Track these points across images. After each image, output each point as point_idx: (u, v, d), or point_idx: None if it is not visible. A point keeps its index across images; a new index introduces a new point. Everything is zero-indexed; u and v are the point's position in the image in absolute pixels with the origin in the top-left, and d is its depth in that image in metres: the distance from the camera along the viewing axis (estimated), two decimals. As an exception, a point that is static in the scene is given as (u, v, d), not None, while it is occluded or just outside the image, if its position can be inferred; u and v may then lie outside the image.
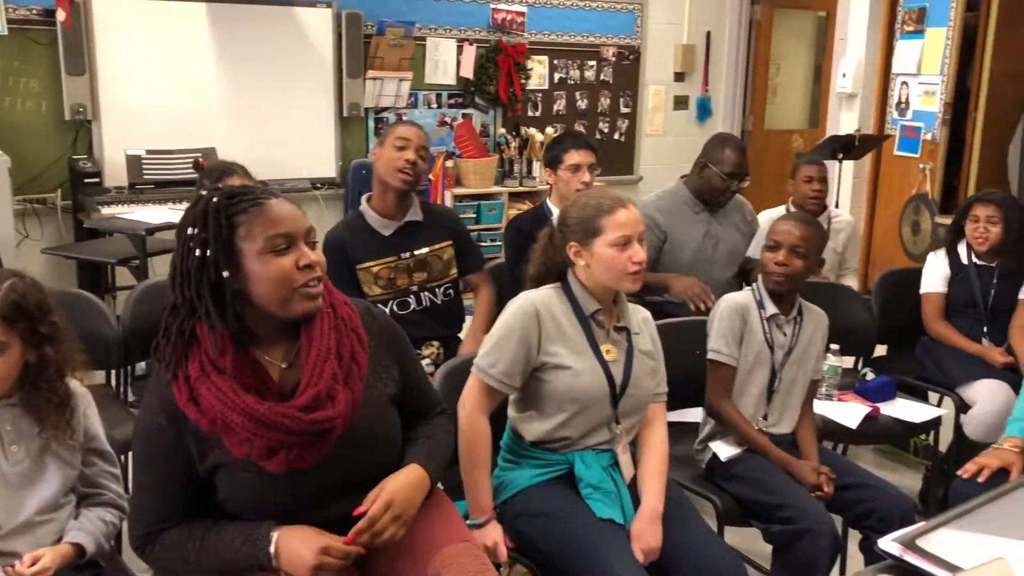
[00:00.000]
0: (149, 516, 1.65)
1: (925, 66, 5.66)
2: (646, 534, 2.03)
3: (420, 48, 5.88)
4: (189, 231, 1.57)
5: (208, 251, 1.54)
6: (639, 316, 2.26)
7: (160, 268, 4.41)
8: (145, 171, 4.91)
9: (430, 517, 1.76)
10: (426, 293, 3.05)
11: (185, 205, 2.46)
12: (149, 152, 4.94)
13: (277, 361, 1.65)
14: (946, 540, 1.10)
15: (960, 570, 0.85)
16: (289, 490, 1.61)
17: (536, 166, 6.04)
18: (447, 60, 5.99)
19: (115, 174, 4.93)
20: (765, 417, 2.56)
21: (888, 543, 1.09)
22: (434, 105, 6.02)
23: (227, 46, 5.31)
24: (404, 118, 3.17)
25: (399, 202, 3.00)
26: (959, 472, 2.38)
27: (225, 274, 1.55)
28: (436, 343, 3.03)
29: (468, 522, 2.01)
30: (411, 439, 1.81)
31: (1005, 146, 5.27)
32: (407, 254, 3.01)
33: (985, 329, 3.35)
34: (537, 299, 2.14)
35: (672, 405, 2.80)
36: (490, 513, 2.07)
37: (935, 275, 3.44)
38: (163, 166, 4.93)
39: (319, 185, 5.62)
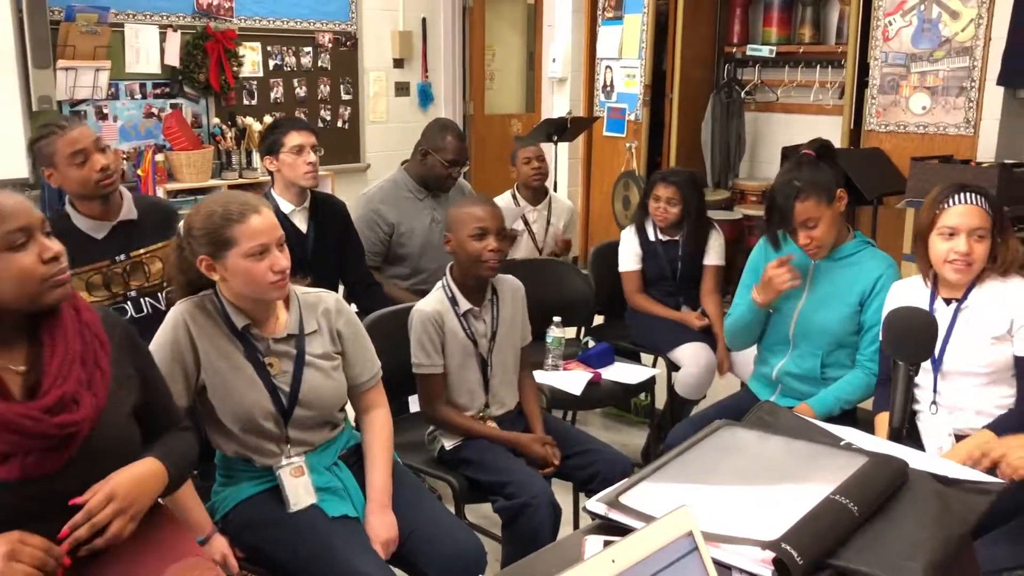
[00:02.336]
0: None
1: (625, 50, 6.05)
2: (380, 527, 2.01)
3: (118, 35, 5.44)
4: None
5: None
6: (319, 309, 2.12)
7: None
8: None
9: (158, 534, 1.68)
10: (147, 299, 2.77)
11: None
12: None
13: (14, 365, 1.54)
14: (647, 493, 1.17)
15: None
16: (20, 499, 1.49)
17: (256, 156, 5.80)
18: (149, 48, 5.60)
19: None
20: (487, 405, 2.60)
21: (594, 504, 1.14)
22: (138, 96, 5.61)
23: None
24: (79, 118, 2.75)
25: (105, 205, 2.69)
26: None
27: None
28: None
29: (194, 539, 1.91)
30: (149, 447, 1.72)
31: (699, 124, 5.75)
32: (122, 256, 2.71)
33: (681, 298, 3.64)
34: (187, 311, 1.99)
35: (406, 391, 2.81)
36: (210, 528, 1.96)
37: (628, 253, 3.67)
38: None
39: (10, 188, 5.06)
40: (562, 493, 2.41)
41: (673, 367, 3.51)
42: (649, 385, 3.36)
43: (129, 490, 1.58)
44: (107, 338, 1.64)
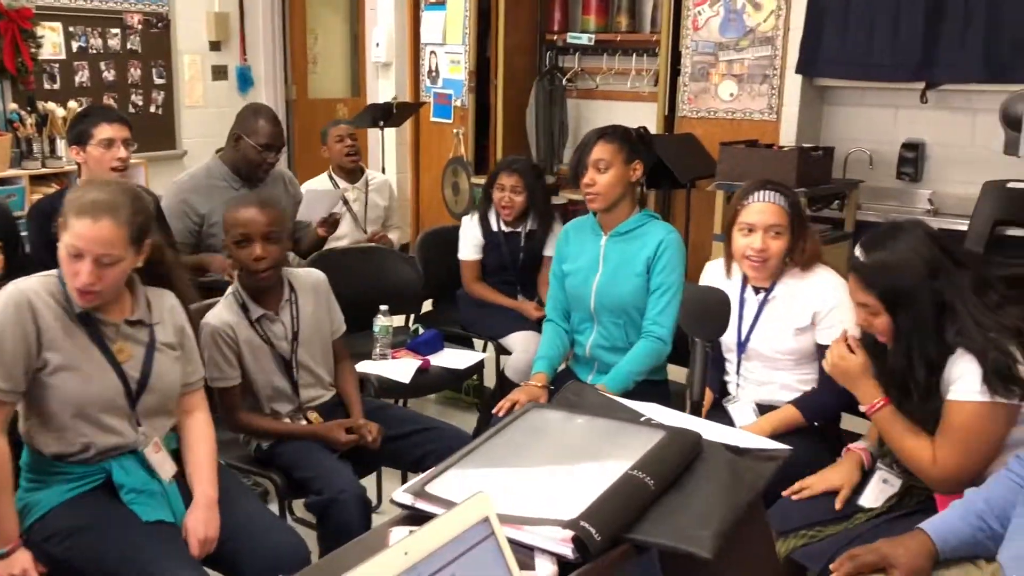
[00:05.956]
0: None
1: (449, 36, 6.04)
2: (200, 524, 1.96)
3: None
4: None
5: None
6: (166, 304, 2.10)
7: None
8: None
9: None
10: None
11: None
12: None
13: None
14: (453, 481, 1.18)
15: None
16: None
17: (60, 144, 5.43)
18: (-68, 27, 5.14)
19: None
20: (300, 408, 2.54)
21: (400, 494, 1.14)
22: (-79, 79, 5.15)
23: None
24: None
25: None
26: (494, 411, 2.60)
27: None
28: None
29: (-10, 554, 1.79)
30: None
31: (524, 110, 5.82)
32: None
33: (519, 287, 3.70)
34: (29, 288, 1.90)
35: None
36: (15, 541, 1.85)
37: (469, 243, 3.70)
38: None
39: None
40: (393, 481, 2.40)
41: (503, 351, 3.56)
42: (478, 369, 3.39)
43: None
44: None
